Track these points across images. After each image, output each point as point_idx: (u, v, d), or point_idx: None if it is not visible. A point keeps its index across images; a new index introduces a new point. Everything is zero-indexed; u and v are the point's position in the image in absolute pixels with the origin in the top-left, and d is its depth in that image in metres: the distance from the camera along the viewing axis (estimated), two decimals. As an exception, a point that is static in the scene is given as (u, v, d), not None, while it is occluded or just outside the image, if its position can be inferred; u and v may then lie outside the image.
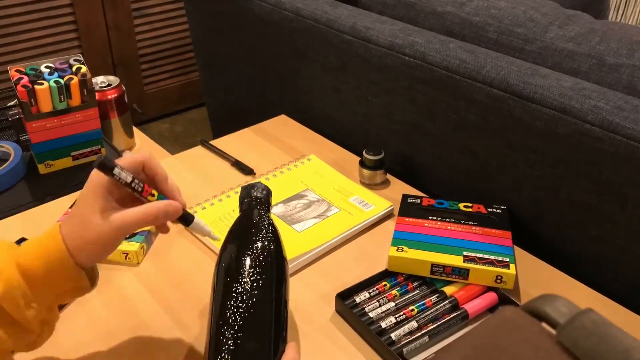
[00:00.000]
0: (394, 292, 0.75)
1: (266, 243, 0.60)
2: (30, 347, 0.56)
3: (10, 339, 0.52)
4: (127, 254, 0.79)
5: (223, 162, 1.03)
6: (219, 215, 0.87)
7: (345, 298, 0.74)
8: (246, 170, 0.99)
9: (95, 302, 0.74)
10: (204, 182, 0.96)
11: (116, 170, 0.53)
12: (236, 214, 0.88)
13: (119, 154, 1.07)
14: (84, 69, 0.99)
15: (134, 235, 0.81)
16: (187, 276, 0.78)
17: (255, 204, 0.66)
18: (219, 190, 0.94)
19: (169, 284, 0.77)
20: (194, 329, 0.70)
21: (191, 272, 0.79)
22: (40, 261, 0.52)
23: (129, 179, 0.54)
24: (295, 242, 0.81)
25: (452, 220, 0.84)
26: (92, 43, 2.10)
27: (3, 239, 0.57)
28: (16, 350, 0.55)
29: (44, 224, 0.85)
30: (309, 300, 0.75)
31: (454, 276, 0.75)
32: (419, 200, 0.89)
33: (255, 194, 0.67)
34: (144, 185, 0.56)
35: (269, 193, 0.68)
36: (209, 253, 0.82)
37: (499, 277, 0.73)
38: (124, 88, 1.15)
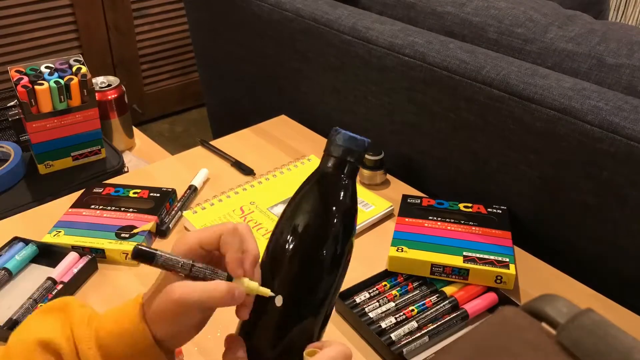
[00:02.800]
0: (394, 292, 0.75)
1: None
2: None
3: None
4: (127, 254, 0.79)
5: (223, 163, 1.03)
6: (219, 215, 0.87)
7: (345, 298, 0.74)
8: (246, 170, 0.99)
9: (95, 302, 0.74)
10: (204, 182, 0.97)
11: (158, 257, 0.45)
12: (236, 214, 0.88)
13: (119, 154, 1.07)
14: (84, 69, 0.99)
15: (134, 235, 0.81)
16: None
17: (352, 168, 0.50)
18: (219, 190, 0.94)
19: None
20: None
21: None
22: (122, 346, 0.46)
23: (179, 265, 0.45)
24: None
25: (452, 220, 0.84)
26: (92, 43, 2.10)
27: (85, 305, 0.50)
28: None
29: (44, 224, 0.85)
30: (309, 300, 0.75)
31: (454, 276, 0.75)
32: (418, 201, 0.89)
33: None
34: (207, 270, 0.46)
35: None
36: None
37: (499, 277, 0.73)
38: (124, 88, 1.15)
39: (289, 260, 0.47)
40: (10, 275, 0.76)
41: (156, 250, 0.46)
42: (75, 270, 0.76)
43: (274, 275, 0.48)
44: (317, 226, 0.48)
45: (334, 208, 0.48)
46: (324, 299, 0.48)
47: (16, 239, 0.81)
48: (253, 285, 0.46)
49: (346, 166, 0.49)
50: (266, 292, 0.47)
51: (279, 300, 0.47)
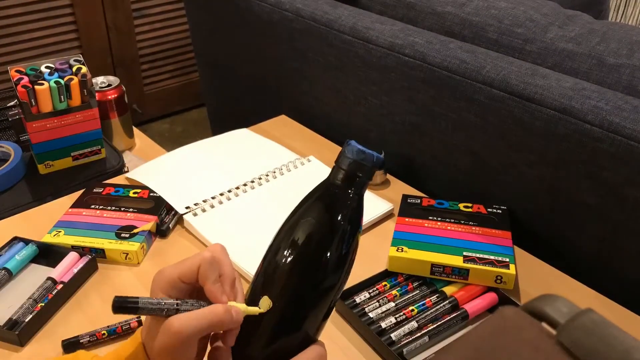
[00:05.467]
0: (394, 292, 0.75)
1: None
2: None
3: None
4: (127, 253, 0.79)
5: (223, 163, 1.02)
6: (219, 216, 0.87)
7: (345, 298, 0.74)
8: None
9: (95, 302, 0.74)
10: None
11: (141, 304, 0.43)
12: (236, 215, 0.88)
13: (119, 154, 1.07)
14: (84, 69, 0.99)
15: (134, 235, 0.81)
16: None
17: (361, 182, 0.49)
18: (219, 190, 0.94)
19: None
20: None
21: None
22: None
23: (164, 311, 0.44)
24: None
25: (452, 220, 0.84)
26: (92, 43, 2.10)
27: (96, 356, 0.50)
28: None
29: (44, 224, 0.85)
30: (309, 300, 0.75)
31: (454, 276, 0.75)
32: (419, 201, 0.89)
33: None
34: (195, 305, 0.46)
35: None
36: (203, 248, 0.82)
37: (499, 277, 0.73)
38: (124, 88, 1.15)
39: (288, 273, 0.47)
40: (10, 275, 0.76)
41: (137, 298, 0.43)
42: (75, 270, 0.76)
43: (271, 286, 0.47)
44: (318, 240, 0.47)
45: (336, 223, 0.47)
46: (316, 315, 0.48)
47: (16, 239, 0.81)
48: (241, 307, 0.46)
49: (354, 180, 0.48)
50: (255, 310, 0.47)
51: (264, 306, 0.47)
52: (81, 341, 0.67)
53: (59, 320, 0.72)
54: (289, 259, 0.47)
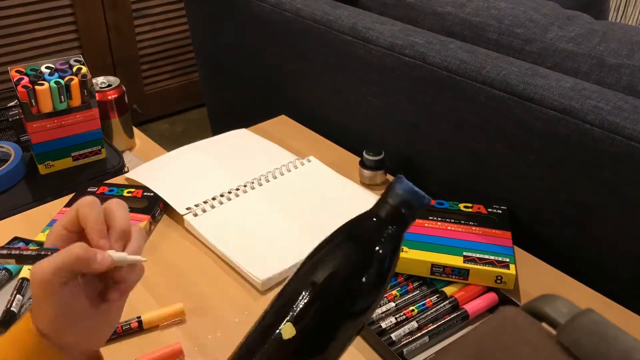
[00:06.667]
0: (394, 292, 0.75)
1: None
2: None
3: None
4: None
5: (223, 163, 1.02)
6: (220, 217, 0.87)
7: (345, 298, 0.73)
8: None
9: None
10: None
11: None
12: (237, 215, 0.88)
13: (119, 154, 1.07)
14: (84, 69, 0.99)
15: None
16: (180, 271, 0.79)
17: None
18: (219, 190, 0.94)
19: (165, 281, 0.77)
20: (189, 323, 0.70)
21: (185, 268, 0.79)
22: (15, 349, 0.44)
23: (21, 254, 0.43)
24: (296, 242, 0.81)
25: (452, 220, 0.84)
26: (92, 43, 2.10)
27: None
28: None
29: (44, 224, 0.85)
30: (309, 300, 0.75)
31: (454, 276, 0.75)
32: (419, 201, 0.89)
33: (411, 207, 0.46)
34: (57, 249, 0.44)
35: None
36: (203, 248, 0.83)
37: (499, 278, 0.73)
38: (124, 88, 1.15)
39: (314, 298, 0.44)
40: (10, 276, 0.76)
41: (4, 246, 0.43)
42: None
43: (293, 308, 0.44)
44: (352, 269, 0.45)
45: (374, 256, 0.45)
46: (341, 343, 0.45)
47: (16, 239, 0.81)
48: (119, 255, 0.44)
49: (399, 217, 0.45)
50: (137, 259, 0.44)
51: (287, 333, 0.44)
52: None
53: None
54: (319, 289, 0.44)
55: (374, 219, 0.46)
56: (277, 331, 0.44)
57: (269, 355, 0.45)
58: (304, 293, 0.44)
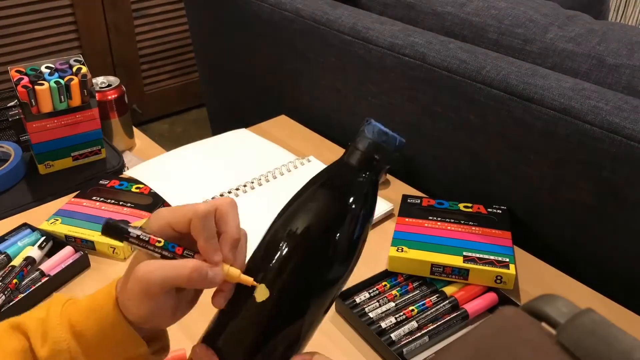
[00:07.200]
0: (394, 292, 0.75)
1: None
2: None
3: None
4: (115, 248, 0.80)
5: (223, 163, 1.02)
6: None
7: (345, 298, 0.74)
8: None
9: (88, 291, 0.74)
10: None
11: (131, 233, 0.43)
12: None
13: (119, 154, 1.07)
14: (84, 69, 0.99)
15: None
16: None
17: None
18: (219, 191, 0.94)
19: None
20: (192, 328, 0.70)
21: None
22: (92, 321, 0.44)
23: (152, 244, 0.42)
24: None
25: (452, 220, 0.84)
26: (92, 43, 2.10)
27: (72, 297, 0.49)
28: None
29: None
30: (309, 300, 0.75)
31: (453, 276, 0.75)
32: (419, 201, 0.89)
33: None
34: (176, 250, 0.43)
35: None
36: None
37: (499, 277, 0.73)
38: (124, 88, 1.15)
39: (290, 252, 0.42)
40: (9, 261, 0.77)
41: (130, 226, 0.42)
42: (63, 266, 0.77)
43: (268, 266, 0.42)
44: (327, 223, 0.42)
45: (347, 206, 0.42)
46: (320, 303, 0.43)
47: (25, 225, 0.84)
48: (233, 272, 0.42)
49: (371, 163, 0.43)
50: (248, 280, 0.42)
51: (260, 295, 0.41)
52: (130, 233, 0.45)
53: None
54: (294, 242, 0.42)
55: (348, 168, 0.43)
56: (251, 295, 0.42)
57: (242, 320, 0.43)
58: (281, 245, 0.42)
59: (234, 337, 0.43)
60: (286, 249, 0.42)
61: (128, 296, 0.43)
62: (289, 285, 0.42)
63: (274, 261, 0.42)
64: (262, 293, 0.42)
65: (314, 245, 0.42)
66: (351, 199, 0.43)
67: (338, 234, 0.42)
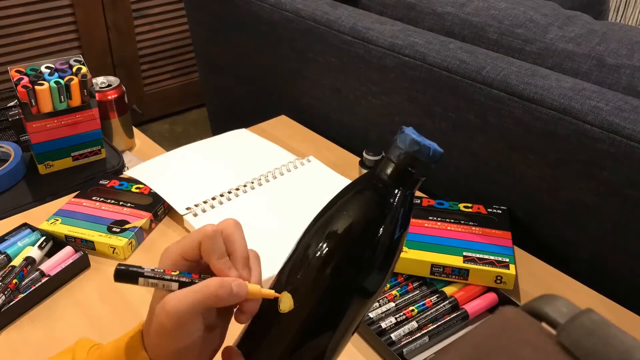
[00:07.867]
0: (394, 292, 0.75)
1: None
2: None
3: None
4: (115, 248, 0.80)
5: (223, 163, 1.02)
6: (220, 217, 0.87)
7: (345, 298, 0.73)
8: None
9: (80, 298, 0.74)
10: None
11: (141, 279, 0.42)
12: (237, 214, 0.88)
13: (119, 155, 1.07)
14: (84, 69, 0.99)
15: (124, 230, 0.82)
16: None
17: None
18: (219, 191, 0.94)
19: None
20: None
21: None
22: None
23: (164, 277, 0.42)
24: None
25: (452, 220, 0.84)
26: (92, 43, 2.10)
27: (98, 343, 0.49)
28: None
29: (44, 224, 0.85)
30: (309, 300, 0.75)
31: (453, 276, 0.75)
32: (418, 201, 0.89)
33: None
34: (192, 275, 0.43)
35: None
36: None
37: (499, 278, 0.73)
38: (124, 88, 1.15)
39: (319, 267, 0.40)
40: (9, 261, 0.77)
41: (140, 267, 0.41)
42: (63, 266, 0.77)
43: (295, 281, 0.41)
44: (368, 222, 0.41)
45: (378, 223, 0.40)
46: (352, 314, 0.41)
47: (25, 225, 0.83)
48: (253, 288, 0.42)
49: (404, 176, 0.40)
50: (269, 293, 0.41)
51: (285, 305, 0.40)
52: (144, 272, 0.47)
53: (53, 312, 0.72)
54: (323, 255, 0.40)
55: (380, 181, 0.41)
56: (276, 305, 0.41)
57: (270, 334, 0.42)
58: (319, 246, 0.41)
59: (267, 350, 0.43)
60: (315, 259, 0.41)
61: (159, 336, 0.42)
62: (318, 294, 0.41)
63: (302, 273, 0.41)
64: (286, 303, 0.41)
65: (344, 257, 0.41)
66: (383, 214, 0.41)
67: (378, 236, 0.41)
